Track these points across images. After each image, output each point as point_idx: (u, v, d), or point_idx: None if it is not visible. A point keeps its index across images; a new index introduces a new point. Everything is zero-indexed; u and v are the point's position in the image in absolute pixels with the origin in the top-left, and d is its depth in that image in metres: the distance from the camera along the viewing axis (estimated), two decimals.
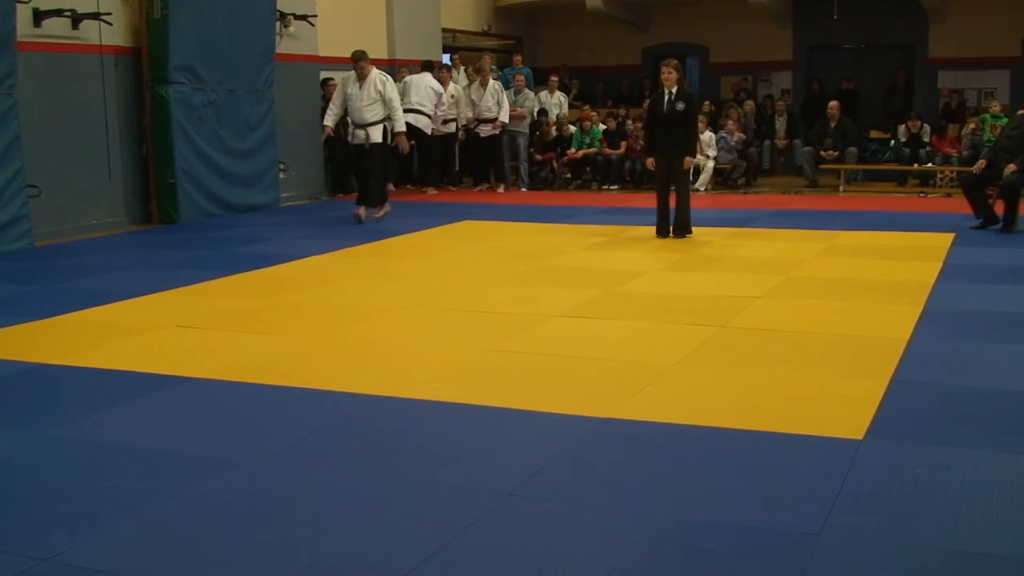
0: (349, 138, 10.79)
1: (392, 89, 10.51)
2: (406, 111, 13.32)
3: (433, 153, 13.79)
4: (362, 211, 10.62)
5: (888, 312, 5.99)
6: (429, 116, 13.33)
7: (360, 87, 10.44)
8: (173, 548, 3.03)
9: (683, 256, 8.19)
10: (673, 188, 9.11)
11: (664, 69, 9.09)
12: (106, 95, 10.33)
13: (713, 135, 14.01)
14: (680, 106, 8.93)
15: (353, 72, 10.53)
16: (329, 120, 10.68)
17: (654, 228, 9.20)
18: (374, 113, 10.45)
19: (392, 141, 10.53)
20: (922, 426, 3.98)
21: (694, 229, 9.13)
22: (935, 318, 5.81)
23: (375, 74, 10.45)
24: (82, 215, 10.10)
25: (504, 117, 14.03)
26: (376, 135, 10.46)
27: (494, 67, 15.01)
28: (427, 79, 13.37)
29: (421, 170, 14.12)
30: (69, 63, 9.97)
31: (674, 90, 8.97)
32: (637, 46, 18.37)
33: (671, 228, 9.12)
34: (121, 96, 10.57)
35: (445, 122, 13.88)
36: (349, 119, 10.65)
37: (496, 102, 13.96)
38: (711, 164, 13.84)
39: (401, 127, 10.51)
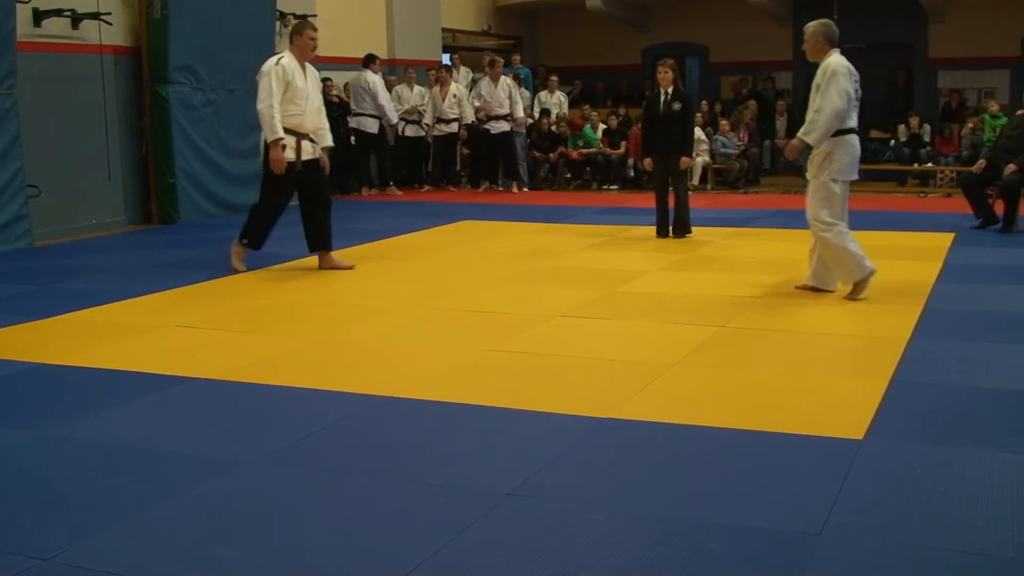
0: (292, 153, 7.33)
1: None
2: (354, 115, 13.26)
3: (384, 153, 13.59)
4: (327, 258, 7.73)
5: (888, 312, 5.98)
6: (373, 116, 13.17)
7: (306, 76, 7.39)
8: (173, 548, 3.03)
9: (683, 256, 8.19)
10: (671, 188, 9.11)
11: (660, 69, 9.08)
12: (106, 95, 10.33)
13: (702, 132, 14.01)
14: (676, 106, 8.93)
15: (283, 56, 7.30)
16: (280, 130, 7.16)
17: (654, 228, 9.20)
18: (324, 116, 7.71)
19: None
20: (922, 426, 3.99)
21: (694, 229, 9.12)
22: (935, 318, 5.81)
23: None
24: (82, 215, 10.10)
25: (519, 112, 13.92)
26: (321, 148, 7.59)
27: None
28: (360, 78, 13.17)
29: (382, 170, 13.88)
30: (69, 63, 9.97)
31: (670, 90, 8.98)
32: (637, 46, 18.36)
33: (671, 228, 9.12)
34: (121, 96, 10.57)
35: (447, 122, 13.87)
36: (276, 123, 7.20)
37: (508, 96, 13.87)
38: (700, 160, 13.81)
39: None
